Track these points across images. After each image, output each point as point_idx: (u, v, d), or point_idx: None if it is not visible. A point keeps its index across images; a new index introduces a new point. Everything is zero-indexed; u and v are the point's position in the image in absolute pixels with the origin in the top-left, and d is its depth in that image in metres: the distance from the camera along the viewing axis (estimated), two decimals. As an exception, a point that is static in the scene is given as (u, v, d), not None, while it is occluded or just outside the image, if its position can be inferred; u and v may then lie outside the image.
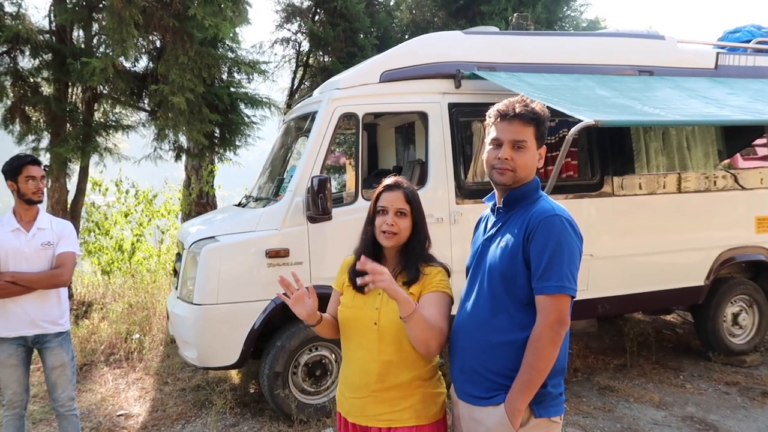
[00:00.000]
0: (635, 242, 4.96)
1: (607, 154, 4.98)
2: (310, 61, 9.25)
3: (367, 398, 2.05)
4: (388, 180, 2.18)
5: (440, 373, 2.19)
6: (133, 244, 8.97)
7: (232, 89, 7.01)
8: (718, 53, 5.61)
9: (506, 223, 2.00)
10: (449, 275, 2.14)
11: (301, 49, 9.14)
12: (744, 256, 5.39)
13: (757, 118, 4.35)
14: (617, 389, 4.81)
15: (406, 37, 9.13)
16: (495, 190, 2.09)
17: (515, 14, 5.65)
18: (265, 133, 8.03)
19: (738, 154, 6.02)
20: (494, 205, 2.10)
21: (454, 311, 2.10)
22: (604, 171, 4.96)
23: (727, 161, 5.58)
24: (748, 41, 5.89)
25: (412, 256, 2.10)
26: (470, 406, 1.98)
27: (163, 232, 9.39)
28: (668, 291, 5.12)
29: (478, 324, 1.97)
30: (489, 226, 2.09)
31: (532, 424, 1.88)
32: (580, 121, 3.72)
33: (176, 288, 4.53)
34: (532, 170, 2.00)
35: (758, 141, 5.88)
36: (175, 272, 4.80)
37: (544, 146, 2.04)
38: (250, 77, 6.82)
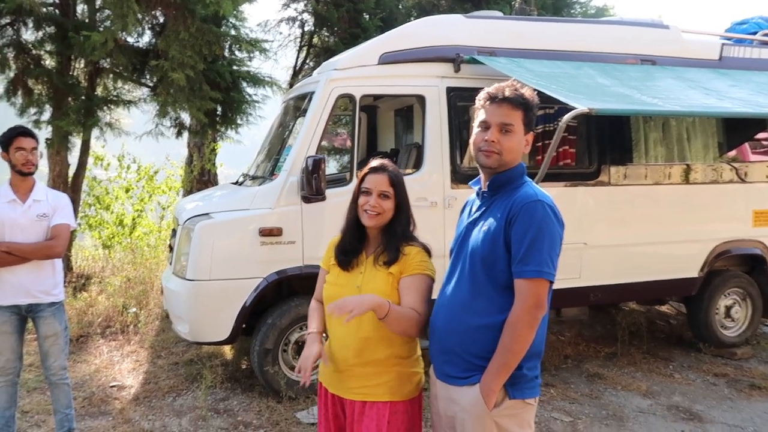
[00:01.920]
0: (630, 232, 4.97)
1: (605, 144, 4.97)
2: (315, 41, 9.21)
3: (345, 372, 2.12)
4: (374, 162, 2.21)
5: (419, 353, 2.23)
6: (134, 219, 9.02)
7: (234, 67, 6.99)
8: (723, 44, 5.56)
9: (490, 207, 2.02)
10: (430, 255, 2.17)
11: (307, 29, 9.09)
12: (740, 249, 5.40)
13: (756, 111, 4.32)
14: (606, 377, 4.85)
15: (411, 19, 9.05)
16: (481, 174, 2.10)
17: (519, -1, 5.61)
18: (266, 112, 8.03)
19: (747, 147, 5.97)
20: (479, 189, 2.11)
21: (436, 291, 2.13)
22: (601, 160, 4.95)
23: (733, 153, 5.55)
24: (755, 33, 5.82)
25: (393, 237, 2.14)
26: (447, 386, 2.02)
27: (164, 209, 9.43)
28: (662, 282, 5.14)
29: (458, 306, 2.00)
30: (473, 209, 2.11)
31: (506, 405, 1.91)
32: (572, 107, 3.71)
33: (171, 263, 4.58)
34: (518, 154, 2.02)
35: (761, 135, 5.84)
36: (171, 248, 4.85)
37: (532, 132, 2.06)
38: (251, 55, 6.80)
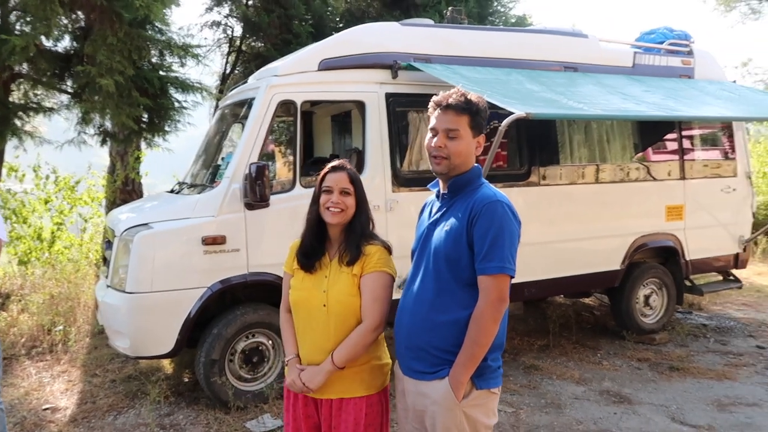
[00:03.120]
0: (559, 229, 5.26)
1: (534, 146, 5.23)
2: (243, 47, 9.08)
3: None
4: (333, 162, 2.28)
5: (385, 343, 2.31)
6: (53, 232, 8.52)
7: (162, 73, 6.78)
8: (635, 53, 6.00)
9: (451, 207, 2.12)
10: (390, 252, 2.24)
11: (234, 35, 8.96)
12: (655, 242, 5.82)
13: (670, 114, 4.70)
14: (541, 368, 5.09)
15: (341, 25, 9.14)
16: (438, 177, 2.20)
17: (450, 8, 5.81)
18: (195, 119, 7.83)
19: (650, 148, 6.47)
20: (438, 191, 2.21)
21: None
22: (531, 162, 5.21)
23: (640, 154, 5.99)
24: (662, 42, 6.32)
25: (354, 236, 2.19)
26: (416, 381, 2.09)
27: (86, 221, 8.96)
28: (588, 275, 5.48)
29: (423, 304, 2.07)
30: (434, 210, 2.19)
31: (473, 396, 2.01)
32: (509, 112, 3.91)
33: (106, 276, 4.40)
34: (468, 158, 2.11)
35: (669, 136, 6.33)
36: (105, 260, 4.66)
37: (483, 135, 2.17)
38: (183, 61, 6.63)
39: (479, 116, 2.11)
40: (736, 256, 6.31)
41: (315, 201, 2.23)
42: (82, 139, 7.12)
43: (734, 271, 6.52)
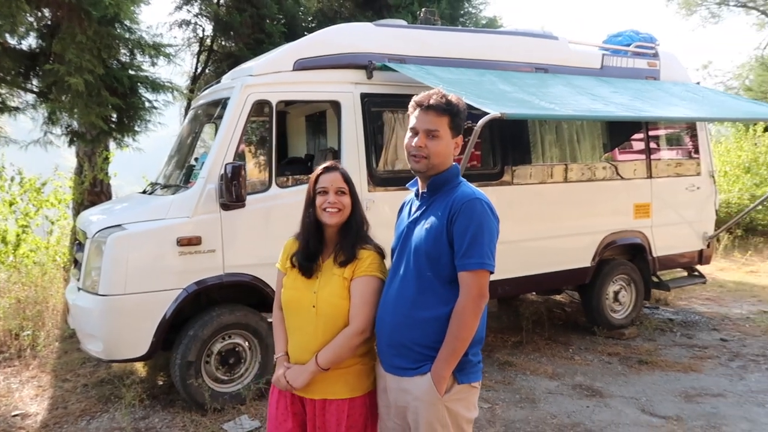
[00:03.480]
0: (532, 228, 5.35)
1: (507, 146, 5.32)
2: (214, 46, 8.98)
3: None
4: (325, 163, 2.28)
5: (375, 347, 2.31)
6: (18, 235, 8.29)
7: (131, 72, 6.67)
8: (603, 55, 6.15)
9: (430, 206, 2.15)
10: (383, 257, 2.26)
11: (205, 34, 8.86)
12: (624, 239, 5.97)
13: (637, 115, 4.84)
14: (515, 364, 5.18)
15: (314, 25, 9.11)
16: (417, 176, 2.22)
17: (423, 9, 5.86)
18: (165, 119, 7.72)
19: (618, 148, 6.63)
20: (417, 190, 2.24)
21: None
22: (504, 161, 5.29)
23: (608, 154, 6.14)
24: (629, 45, 6.48)
25: (350, 237, 2.20)
26: (398, 378, 2.12)
27: (52, 223, 8.75)
28: (561, 272, 5.60)
29: (405, 301, 2.10)
30: (413, 209, 2.22)
31: (455, 390, 2.05)
32: (483, 112, 3.97)
33: (77, 279, 4.32)
34: (447, 157, 2.15)
35: (636, 136, 6.51)
36: (76, 262, 4.57)
37: (461, 135, 2.21)
38: (154, 60, 6.53)
39: (459, 117, 2.15)
40: (701, 252, 6.52)
41: (311, 203, 2.23)
42: (49, 140, 6.96)
43: (698, 267, 6.73)
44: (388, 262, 2.29)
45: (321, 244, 2.22)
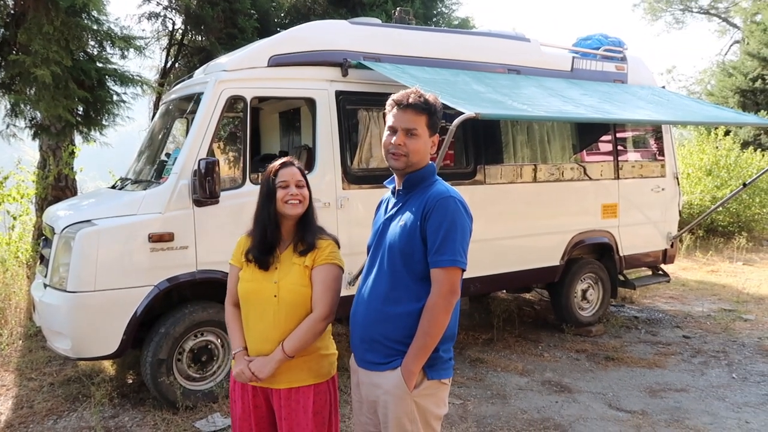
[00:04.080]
0: (503, 226, 5.43)
1: (479, 146, 5.38)
2: (185, 40, 8.84)
3: None
4: (281, 159, 2.36)
5: (331, 335, 2.39)
6: (-22, 231, 8.04)
7: (99, 64, 6.53)
8: (573, 57, 6.26)
9: (405, 203, 2.18)
10: (339, 247, 2.34)
11: (175, 27, 8.70)
12: (592, 238, 6.11)
13: (607, 117, 4.95)
14: (486, 361, 5.26)
15: (287, 22, 9.05)
16: (394, 174, 2.25)
17: (398, 8, 5.88)
18: (133, 113, 7.59)
19: (586, 149, 6.78)
20: (394, 187, 2.26)
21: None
22: (477, 161, 5.35)
23: (577, 155, 6.27)
24: (598, 48, 6.62)
25: (309, 227, 2.29)
26: (369, 372, 2.15)
27: (14, 218, 8.50)
28: (531, 270, 5.69)
29: (378, 297, 2.12)
30: (389, 206, 2.25)
31: (424, 386, 2.08)
32: (457, 112, 4.01)
33: (44, 275, 4.22)
34: (425, 155, 2.19)
35: (604, 137, 6.66)
36: (42, 258, 4.46)
37: (437, 134, 2.24)
38: (124, 53, 6.40)
39: (436, 116, 2.19)
40: (665, 251, 6.71)
41: (270, 197, 2.28)
42: (12, 132, 6.76)
43: (663, 266, 6.93)
44: (363, 258, 2.32)
45: (278, 236, 2.28)
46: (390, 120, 2.17)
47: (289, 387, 2.21)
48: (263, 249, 2.27)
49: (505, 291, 7.13)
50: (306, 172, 2.39)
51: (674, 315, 6.92)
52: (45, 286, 4.15)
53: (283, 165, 2.32)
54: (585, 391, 4.64)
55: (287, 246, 2.28)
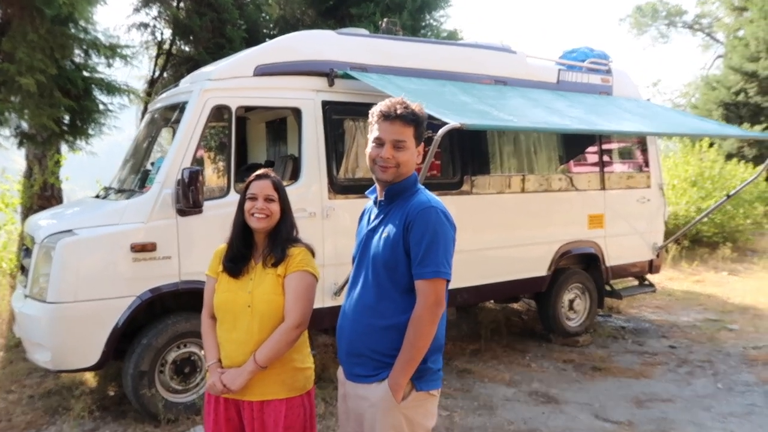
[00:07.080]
0: (490, 237, 5.43)
1: (466, 156, 5.39)
2: (173, 50, 8.82)
3: None
4: (258, 171, 2.37)
5: (308, 347, 2.36)
6: (-40, 240, 7.93)
7: (86, 73, 6.48)
8: (559, 69, 6.31)
9: (388, 214, 2.15)
10: (314, 255, 2.33)
11: (163, 37, 8.68)
12: (578, 249, 6.13)
13: (592, 128, 4.98)
14: (474, 371, 5.23)
15: (275, 32, 9.06)
16: (376, 184, 2.22)
17: (385, 19, 5.91)
18: (120, 122, 7.53)
19: (573, 160, 6.84)
20: (376, 198, 2.24)
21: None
22: (463, 171, 5.36)
23: (563, 166, 6.30)
24: (583, 60, 6.68)
25: (279, 240, 2.27)
26: (356, 385, 2.12)
27: (-1, 228, 8.41)
28: (518, 281, 5.70)
29: (364, 310, 2.11)
30: (372, 217, 2.23)
31: (412, 398, 2.05)
32: (443, 122, 4.01)
33: (24, 286, 4.16)
34: (412, 166, 2.17)
35: (590, 149, 6.71)
36: (23, 268, 4.40)
37: (423, 144, 2.23)
38: (110, 62, 6.36)
39: (422, 127, 2.17)
40: (651, 262, 6.75)
41: (240, 208, 2.31)
42: (-4, 141, 6.68)
43: (649, 276, 6.96)
44: (348, 270, 2.30)
45: (249, 247, 2.29)
46: (376, 131, 2.13)
47: (261, 400, 2.19)
48: (232, 257, 2.29)
49: (492, 301, 7.12)
50: (287, 183, 2.38)
51: (660, 325, 6.94)
52: (25, 296, 4.09)
53: (257, 177, 2.32)
54: (572, 401, 4.63)
55: (260, 257, 2.28)
